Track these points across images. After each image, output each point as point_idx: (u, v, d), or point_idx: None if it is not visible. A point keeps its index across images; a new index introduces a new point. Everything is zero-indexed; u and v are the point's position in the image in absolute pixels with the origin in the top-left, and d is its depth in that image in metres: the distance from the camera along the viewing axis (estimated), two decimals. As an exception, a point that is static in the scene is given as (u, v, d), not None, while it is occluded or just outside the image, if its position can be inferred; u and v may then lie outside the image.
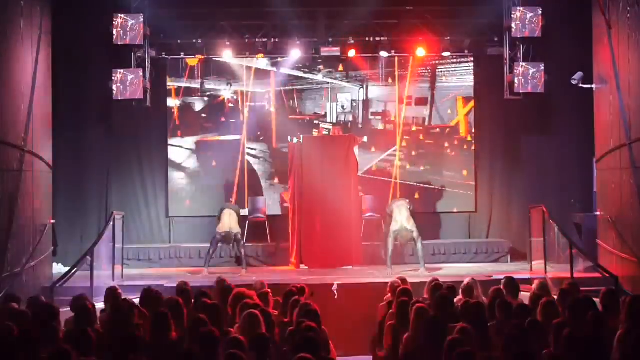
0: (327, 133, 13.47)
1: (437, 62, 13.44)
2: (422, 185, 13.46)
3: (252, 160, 13.53)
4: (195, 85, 13.45)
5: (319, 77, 13.58)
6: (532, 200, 12.07)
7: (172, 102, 13.45)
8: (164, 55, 12.93)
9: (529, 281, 9.14)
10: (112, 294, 7.09)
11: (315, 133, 13.44)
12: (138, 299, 6.86)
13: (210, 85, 13.48)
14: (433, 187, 13.47)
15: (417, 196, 13.24)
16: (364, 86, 13.59)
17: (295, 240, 11.79)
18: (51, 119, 11.41)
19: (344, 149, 11.95)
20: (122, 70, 11.74)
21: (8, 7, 9.77)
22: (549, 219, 10.66)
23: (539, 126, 13.05)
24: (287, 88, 13.53)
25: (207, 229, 12.70)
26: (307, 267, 11.67)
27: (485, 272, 10.82)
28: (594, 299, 5.94)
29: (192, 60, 13.06)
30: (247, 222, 12.78)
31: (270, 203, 13.25)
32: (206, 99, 13.54)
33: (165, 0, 12.11)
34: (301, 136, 12.13)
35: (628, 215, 10.09)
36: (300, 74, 13.52)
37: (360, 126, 13.57)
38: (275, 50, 12.90)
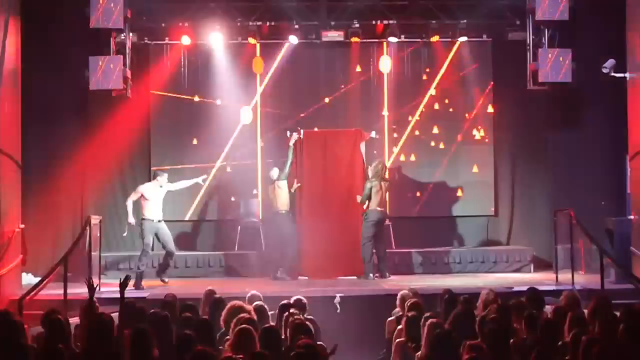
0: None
1: (452, 48, 13.43)
2: (434, 184, 13.45)
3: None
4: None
5: (320, 66, 13.53)
6: (558, 202, 12.08)
7: (156, 93, 13.42)
8: (146, 41, 12.92)
9: (554, 293, 9.14)
10: (88, 308, 7.08)
11: (316, 128, 13.45)
12: (117, 314, 6.85)
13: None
14: (447, 187, 13.46)
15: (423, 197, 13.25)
16: (372, 75, 13.58)
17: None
18: (20, 111, 11.40)
19: (350, 145, 11.95)
20: (99, 58, 11.73)
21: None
22: (576, 224, 10.65)
23: (566, 120, 13.04)
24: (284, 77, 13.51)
25: (194, 233, 12.70)
26: (306, 278, 11.67)
27: (505, 283, 10.81)
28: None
29: (185, 40, 12.96)
30: (239, 227, 12.78)
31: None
32: (192, 88, 13.50)
33: (148, -21, 12.14)
34: (301, 131, 12.11)
35: (666, 219, 10.09)
36: (299, 61, 13.48)
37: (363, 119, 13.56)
38: (271, 34, 12.89)
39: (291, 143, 11.79)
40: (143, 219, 11.23)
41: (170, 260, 11.40)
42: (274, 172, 11.80)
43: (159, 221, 11.28)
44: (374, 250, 11.57)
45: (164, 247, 11.35)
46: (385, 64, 13.43)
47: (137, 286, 10.90)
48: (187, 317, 6.64)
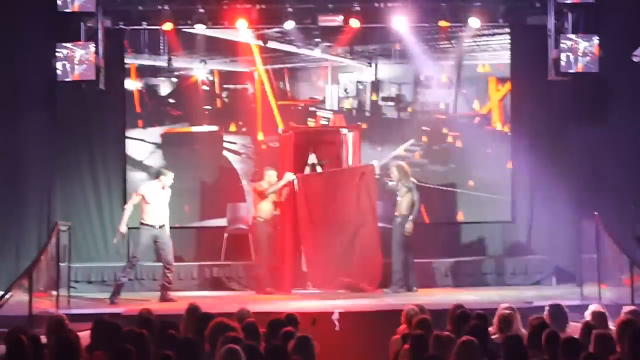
0: (325, 122, 13.48)
1: (464, 34, 13.46)
2: (445, 188, 13.47)
3: (231, 157, 13.54)
4: (161, 63, 13.46)
5: (316, 53, 13.59)
6: (583, 207, 12.09)
7: (132, 85, 13.45)
8: (121, 26, 12.92)
9: (579, 309, 9.14)
10: (56, 325, 7.07)
11: (311, 123, 13.46)
12: (89, 331, 6.85)
13: (179, 63, 13.49)
14: (459, 190, 13.48)
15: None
16: (373, 64, 13.60)
17: (286, 259, 11.77)
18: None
19: (354, 184, 11.85)
20: (69, 45, 11.73)
21: None
22: (604, 231, 10.66)
23: (591, 115, 13.05)
24: (275, 66, 13.53)
25: (175, 242, 12.67)
26: (303, 290, 11.69)
27: (524, 297, 10.82)
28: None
29: (167, 26, 12.98)
30: (226, 235, 12.78)
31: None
32: (174, 80, 13.55)
33: (123, -44, 12.16)
34: (294, 178, 11.92)
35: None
36: (293, 49, 13.52)
37: (367, 114, 13.59)
38: (262, 19, 12.90)
39: (281, 183, 11.70)
40: (141, 223, 11.16)
41: (170, 275, 11.26)
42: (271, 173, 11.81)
43: (160, 227, 11.21)
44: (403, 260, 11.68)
45: (159, 258, 11.30)
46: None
47: (112, 300, 10.90)
48: (167, 335, 6.63)
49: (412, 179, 11.86)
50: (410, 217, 11.68)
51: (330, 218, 11.77)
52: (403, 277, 11.70)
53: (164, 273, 11.32)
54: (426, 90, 13.62)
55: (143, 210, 11.20)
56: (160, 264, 11.44)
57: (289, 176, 11.69)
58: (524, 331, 6.98)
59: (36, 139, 12.80)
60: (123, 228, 11.17)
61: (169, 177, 11.30)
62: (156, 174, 11.51)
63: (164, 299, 11.19)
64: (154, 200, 11.17)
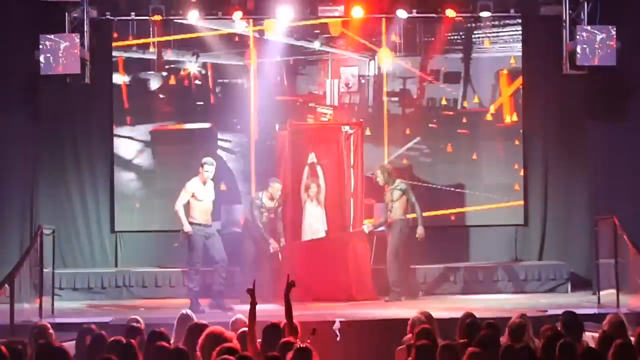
0: (325, 119, 13.47)
1: (473, 24, 13.46)
2: (452, 189, 13.47)
3: (225, 156, 13.53)
4: (151, 56, 13.45)
5: (315, 46, 13.59)
6: (599, 209, 12.08)
7: (120, 79, 13.45)
8: (108, 16, 12.90)
9: (596, 317, 9.13)
10: (40, 334, 7.06)
11: (310, 120, 13.44)
12: (74, 342, 6.84)
13: (170, 55, 13.48)
14: (468, 191, 13.48)
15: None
16: (376, 57, 13.61)
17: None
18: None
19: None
20: (52, 36, 11.72)
21: None
22: (622, 234, 10.65)
23: (609, 111, 13.01)
24: (273, 60, 13.52)
25: (164, 246, 12.68)
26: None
27: (537, 305, 10.82)
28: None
29: (156, 17, 12.98)
30: (220, 239, 12.76)
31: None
32: (165, 74, 13.54)
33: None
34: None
35: None
36: (292, 41, 13.52)
37: (370, 110, 13.57)
38: (258, 9, 12.89)
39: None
40: (191, 223, 10.98)
41: (221, 279, 11.09)
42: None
43: (210, 225, 11.07)
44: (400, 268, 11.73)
45: (209, 259, 11.06)
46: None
47: (195, 309, 10.11)
48: (157, 346, 6.61)
49: (401, 180, 11.79)
50: (419, 221, 11.73)
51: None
52: (401, 285, 11.68)
53: (218, 274, 11.13)
54: (433, 84, 13.60)
55: (192, 208, 10.98)
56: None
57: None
58: (537, 341, 6.97)
59: (17, 137, 12.74)
60: (187, 227, 10.96)
61: (212, 168, 11.04)
62: (202, 165, 11.12)
63: (219, 306, 10.91)
64: (204, 196, 10.98)
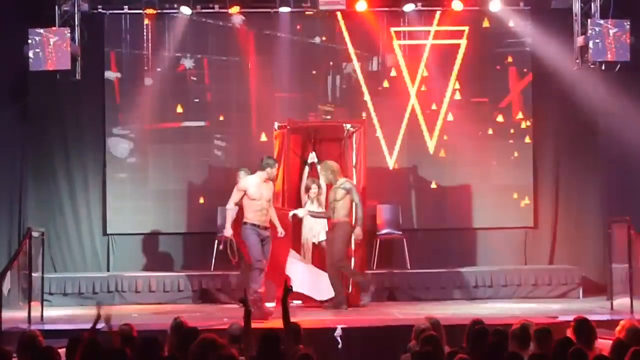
0: (327, 117, 13.48)
1: (481, 17, 13.47)
2: (459, 189, 13.47)
3: (221, 155, 13.54)
4: (144, 51, 13.45)
5: (316, 40, 13.60)
6: (613, 211, 12.09)
7: (112, 75, 13.46)
8: (100, 10, 12.92)
9: (609, 324, 9.12)
10: (28, 342, 7.06)
11: (311, 117, 13.45)
12: (64, 349, 6.84)
13: (164, 50, 13.45)
14: (475, 192, 13.48)
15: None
16: (380, 52, 13.62)
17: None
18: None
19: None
20: (41, 31, 11.72)
21: None
22: (636, 238, 10.65)
23: (622, 108, 13.02)
24: (271, 55, 13.50)
25: (160, 249, 12.68)
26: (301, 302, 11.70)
27: (548, 311, 10.82)
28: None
29: (150, 11, 12.99)
30: (216, 241, 12.77)
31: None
32: (159, 69, 13.53)
33: None
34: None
35: None
36: (291, 36, 13.51)
37: (373, 108, 13.58)
38: (256, 2, 12.90)
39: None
40: (245, 223, 10.60)
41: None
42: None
43: (266, 228, 10.66)
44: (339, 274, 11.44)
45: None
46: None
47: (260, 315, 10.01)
48: (150, 353, 6.62)
49: (346, 179, 11.42)
50: (359, 222, 11.26)
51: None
52: (345, 292, 11.38)
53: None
54: (439, 81, 13.61)
55: (246, 208, 10.66)
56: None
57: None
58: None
59: (5, 135, 12.77)
60: (228, 232, 10.67)
61: (274, 170, 10.78)
62: (263, 165, 10.71)
63: (260, 316, 10.19)
64: (259, 195, 10.64)
